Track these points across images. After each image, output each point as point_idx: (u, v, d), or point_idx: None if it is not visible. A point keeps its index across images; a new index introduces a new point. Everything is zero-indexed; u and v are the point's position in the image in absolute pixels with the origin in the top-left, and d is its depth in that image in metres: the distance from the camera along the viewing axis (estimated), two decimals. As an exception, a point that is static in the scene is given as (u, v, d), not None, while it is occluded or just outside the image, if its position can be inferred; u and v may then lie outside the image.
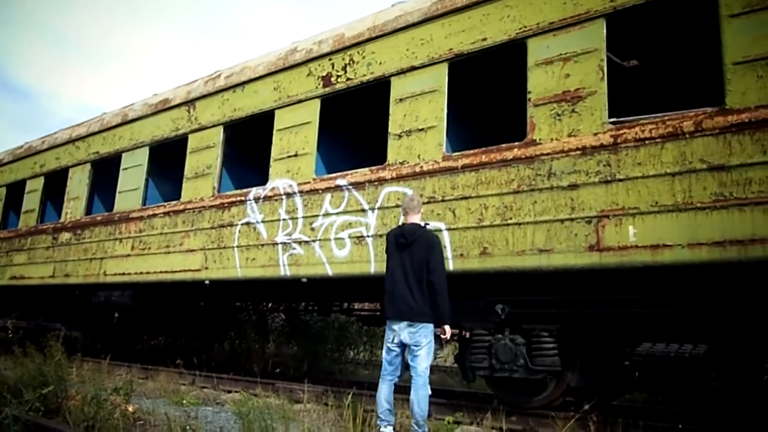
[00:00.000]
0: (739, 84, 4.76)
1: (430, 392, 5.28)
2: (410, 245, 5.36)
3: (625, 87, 6.15)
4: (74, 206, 11.84)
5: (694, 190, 4.82)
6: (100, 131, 11.68)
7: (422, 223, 5.58)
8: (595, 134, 5.42)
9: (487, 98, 7.68)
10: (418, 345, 5.28)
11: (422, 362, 5.28)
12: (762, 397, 5.50)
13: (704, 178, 4.79)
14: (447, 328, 5.36)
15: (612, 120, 5.39)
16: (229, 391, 8.31)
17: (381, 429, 5.38)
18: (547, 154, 5.66)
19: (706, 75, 5.89)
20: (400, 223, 5.90)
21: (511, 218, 5.79)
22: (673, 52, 6.84)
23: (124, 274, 10.12)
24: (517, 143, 5.93)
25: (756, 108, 4.64)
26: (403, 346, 5.40)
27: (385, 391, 5.45)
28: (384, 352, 5.56)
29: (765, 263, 4.55)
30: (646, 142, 5.11)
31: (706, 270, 4.91)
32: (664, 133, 5.03)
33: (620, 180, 5.19)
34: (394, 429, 5.45)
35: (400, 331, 5.34)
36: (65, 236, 11.76)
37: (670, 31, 6.38)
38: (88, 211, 11.73)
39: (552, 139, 5.67)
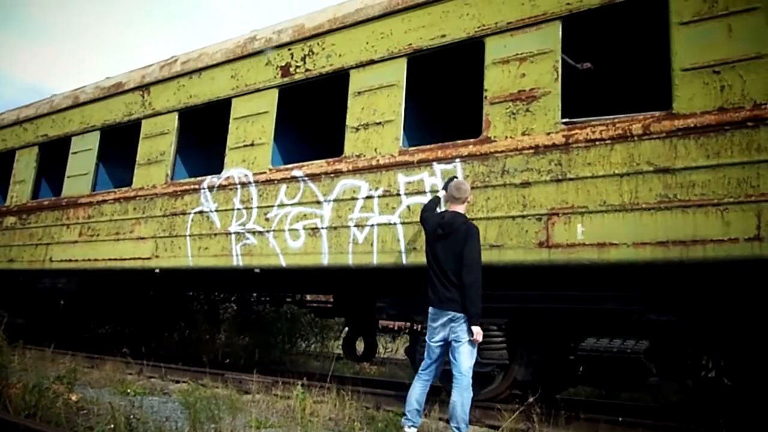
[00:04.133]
0: (687, 90, 4.92)
1: (473, 395, 4.89)
2: (447, 236, 5.06)
3: (578, 89, 6.29)
4: (20, 190, 11.50)
5: (640, 191, 4.97)
6: (49, 113, 11.34)
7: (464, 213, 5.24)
8: (548, 134, 5.53)
9: (445, 94, 7.75)
10: (459, 340, 4.91)
11: (465, 360, 4.88)
12: (700, 391, 5.74)
13: (650, 179, 4.94)
14: (476, 329, 4.87)
15: (564, 120, 5.51)
16: (177, 381, 8.20)
17: (405, 429, 5.10)
18: (501, 151, 5.76)
19: (655, 80, 6.06)
20: (441, 210, 5.50)
21: (464, 214, 5.86)
22: (625, 56, 7.02)
23: (71, 260, 9.88)
24: (472, 140, 6.01)
25: (701, 113, 4.81)
26: (444, 342, 5.05)
27: (417, 390, 5.15)
28: (425, 348, 5.22)
29: (705, 264, 4.74)
30: (597, 143, 5.25)
31: (649, 269, 5.08)
32: (614, 135, 5.17)
33: (571, 179, 5.32)
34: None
35: (441, 325, 5.00)
36: (10, 220, 11.41)
37: (623, 36, 6.55)
38: (35, 195, 11.41)
39: (506, 137, 5.77)
